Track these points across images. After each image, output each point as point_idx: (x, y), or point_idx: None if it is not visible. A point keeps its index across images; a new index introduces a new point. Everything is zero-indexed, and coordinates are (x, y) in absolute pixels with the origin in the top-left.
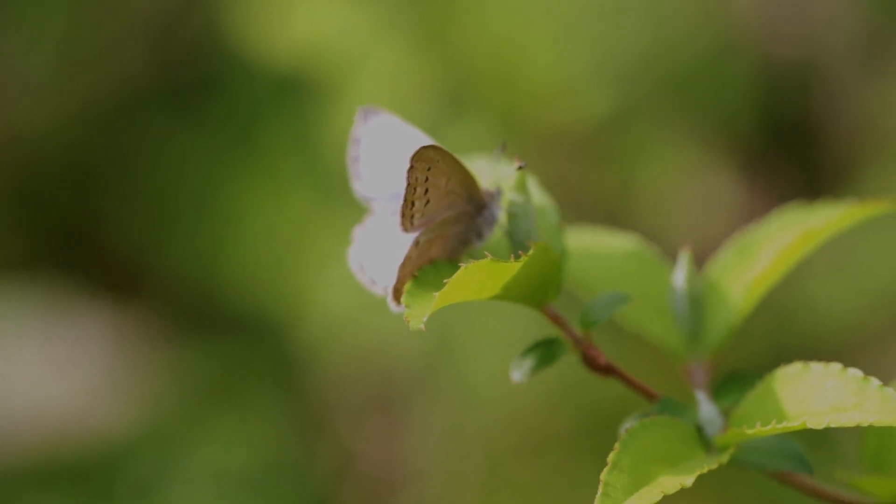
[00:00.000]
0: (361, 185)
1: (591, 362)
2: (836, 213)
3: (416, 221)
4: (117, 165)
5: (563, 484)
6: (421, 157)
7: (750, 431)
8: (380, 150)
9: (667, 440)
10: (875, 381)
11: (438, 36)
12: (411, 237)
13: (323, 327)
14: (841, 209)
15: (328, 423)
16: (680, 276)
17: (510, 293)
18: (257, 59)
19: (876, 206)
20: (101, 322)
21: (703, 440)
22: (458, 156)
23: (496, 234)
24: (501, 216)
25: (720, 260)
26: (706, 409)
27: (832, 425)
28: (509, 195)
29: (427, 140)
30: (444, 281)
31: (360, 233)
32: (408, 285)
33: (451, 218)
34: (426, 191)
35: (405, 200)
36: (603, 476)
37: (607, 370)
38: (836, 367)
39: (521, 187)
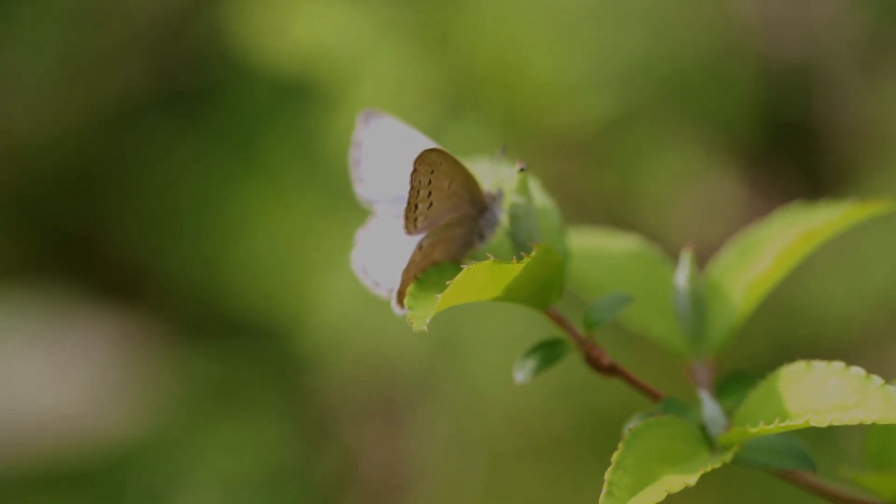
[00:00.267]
0: (364, 188)
1: (594, 363)
2: (837, 212)
3: (419, 224)
4: (119, 171)
5: (567, 486)
6: (424, 160)
7: (753, 430)
8: (382, 154)
9: (670, 439)
10: (877, 380)
11: (440, 40)
12: (414, 239)
13: (326, 331)
14: (841, 209)
15: (332, 427)
16: (682, 276)
17: (513, 294)
18: (259, 65)
19: (876, 205)
20: (104, 327)
21: (706, 439)
22: (460, 158)
23: (498, 236)
24: (503, 218)
25: (722, 260)
26: (709, 408)
27: (835, 423)
28: (511, 197)
29: (429, 143)
30: (447, 283)
31: (362, 235)
32: (410, 287)
33: (453, 220)
34: (429, 193)
35: (409, 203)
36: (607, 475)
37: (610, 370)
38: (838, 365)
39: (523, 189)
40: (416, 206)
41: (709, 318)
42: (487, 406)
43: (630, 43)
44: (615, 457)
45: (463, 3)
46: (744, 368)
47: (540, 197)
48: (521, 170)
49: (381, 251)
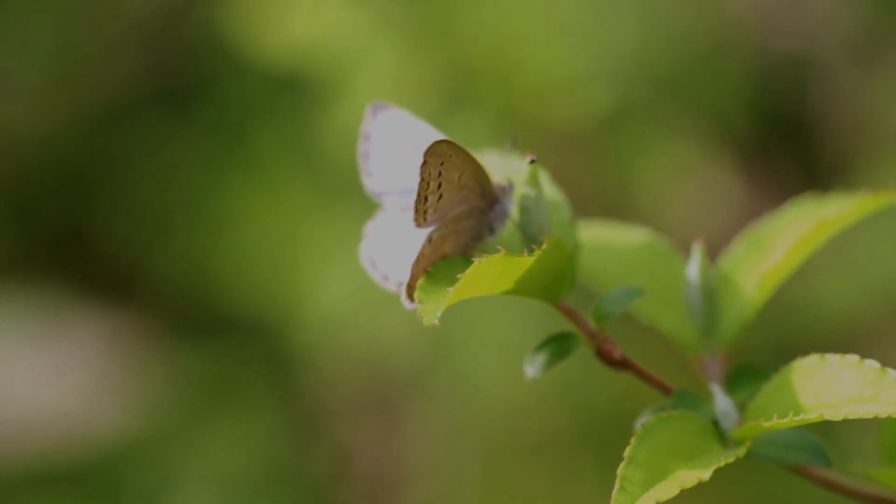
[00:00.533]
0: (372, 181)
1: (605, 356)
2: (850, 203)
3: (429, 217)
4: (110, 169)
5: (561, 483)
6: (434, 152)
7: (767, 424)
8: (390, 146)
9: (683, 434)
10: (892, 373)
11: (437, 34)
12: (423, 232)
13: (319, 328)
14: (854, 200)
15: (325, 423)
16: (693, 268)
17: (524, 288)
18: (254, 60)
19: (889, 196)
20: (96, 326)
21: (719, 434)
22: (469, 150)
23: (508, 229)
24: (514, 210)
25: (733, 252)
26: (722, 402)
27: (850, 417)
28: (521, 189)
29: (439, 134)
30: (458, 276)
31: (371, 228)
32: (420, 281)
33: (463, 213)
34: (439, 185)
35: (418, 196)
36: (619, 471)
37: (622, 364)
38: (853, 358)
39: (534, 181)
40: (426, 199)
41: (720, 311)
42: (482, 402)
43: (626, 36)
44: (627, 451)
45: None
46: (754, 362)
47: (550, 189)
48: (532, 161)
49: (389, 244)
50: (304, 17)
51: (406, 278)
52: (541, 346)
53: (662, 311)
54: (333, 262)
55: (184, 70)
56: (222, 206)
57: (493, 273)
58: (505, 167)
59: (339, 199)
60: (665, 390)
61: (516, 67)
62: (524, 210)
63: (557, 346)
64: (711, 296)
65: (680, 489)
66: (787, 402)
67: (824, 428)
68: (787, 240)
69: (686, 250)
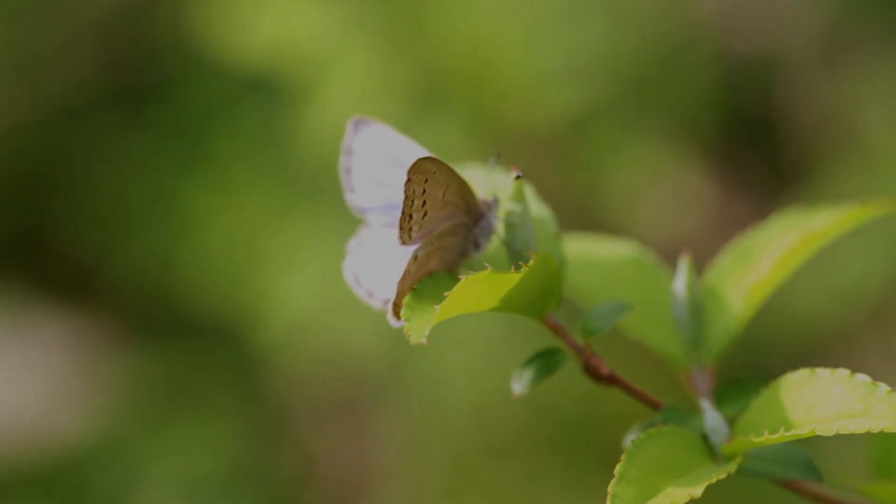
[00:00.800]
0: (354, 197)
1: (593, 372)
2: (837, 215)
3: (414, 234)
4: (69, 170)
5: (528, 483)
6: (418, 169)
7: (758, 440)
8: (372, 161)
9: (673, 450)
10: (883, 387)
11: (408, 36)
12: (409, 249)
13: (283, 330)
14: (842, 211)
15: (291, 426)
16: (681, 282)
17: (510, 304)
18: (219, 61)
19: (877, 207)
20: (57, 328)
21: (709, 449)
22: (454, 166)
23: (494, 244)
24: (499, 226)
25: (719, 265)
26: (711, 417)
27: (842, 432)
28: (507, 205)
29: (421, 151)
30: (445, 294)
31: (354, 245)
32: (407, 298)
33: (448, 229)
34: (423, 203)
35: (403, 213)
36: (610, 488)
37: (610, 380)
38: (843, 372)
39: (519, 197)
40: (411, 216)
41: (707, 325)
42: (448, 403)
43: (590, 38)
44: (618, 469)
45: (430, 0)
46: (742, 376)
47: (535, 204)
48: (518, 177)
49: (374, 261)
50: (274, 17)
51: (392, 296)
52: (528, 363)
53: (649, 325)
54: (297, 263)
55: (146, 69)
56: (184, 207)
57: (479, 291)
58: (489, 182)
59: (303, 201)
60: (653, 406)
61: (486, 69)
62: (510, 226)
63: (544, 362)
64: (698, 310)
65: None
66: (777, 417)
67: (813, 441)
68: (773, 252)
69: (658, 252)
